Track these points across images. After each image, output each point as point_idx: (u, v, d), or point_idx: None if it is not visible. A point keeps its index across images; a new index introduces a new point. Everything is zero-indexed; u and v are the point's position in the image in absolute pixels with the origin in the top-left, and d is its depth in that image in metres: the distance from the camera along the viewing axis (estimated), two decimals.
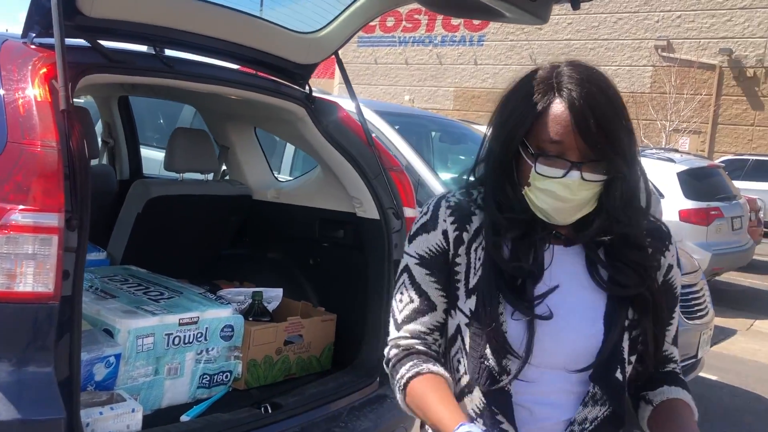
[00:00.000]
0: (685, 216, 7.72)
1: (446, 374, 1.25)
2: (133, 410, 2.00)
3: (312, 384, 2.51)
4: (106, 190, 3.45)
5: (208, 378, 2.37)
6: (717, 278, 8.53)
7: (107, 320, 2.18)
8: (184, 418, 2.20)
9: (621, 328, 1.23)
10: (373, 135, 2.79)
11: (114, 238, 2.97)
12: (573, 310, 1.22)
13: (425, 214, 1.30)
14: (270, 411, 2.24)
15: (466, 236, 1.26)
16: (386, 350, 1.31)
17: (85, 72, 1.98)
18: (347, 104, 2.90)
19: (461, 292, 1.26)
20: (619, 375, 1.23)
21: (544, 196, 1.19)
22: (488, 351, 1.21)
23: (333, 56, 2.79)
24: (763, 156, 16.22)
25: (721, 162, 13.06)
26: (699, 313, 4.29)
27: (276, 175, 3.61)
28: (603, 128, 1.14)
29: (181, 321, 2.26)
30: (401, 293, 1.30)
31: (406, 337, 1.29)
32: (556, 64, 1.21)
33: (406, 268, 1.30)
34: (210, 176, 3.28)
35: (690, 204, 7.78)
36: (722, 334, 6.47)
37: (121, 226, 2.94)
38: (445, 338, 1.31)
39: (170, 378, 2.26)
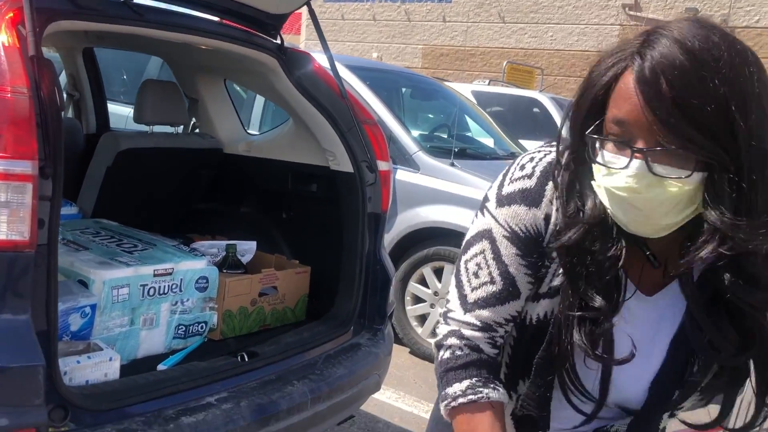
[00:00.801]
0: None
1: (504, 400, 1.07)
2: (110, 359, 2.01)
3: (288, 333, 2.55)
4: (72, 144, 3.39)
5: (184, 328, 2.39)
6: None
7: (81, 271, 2.17)
8: (161, 367, 2.22)
9: (667, 396, 1.06)
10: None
11: (83, 192, 2.94)
12: (637, 351, 1.02)
13: (528, 177, 1.04)
14: (247, 359, 2.27)
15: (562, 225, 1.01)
16: (442, 329, 1.09)
17: (53, 18, 1.94)
18: (318, 58, 2.88)
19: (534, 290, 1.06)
20: (662, 423, 1.11)
21: (609, 196, 0.92)
22: (551, 379, 1.06)
23: (299, 12, 2.75)
24: None
25: None
26: None
27: (246, 129, 3.59)
28: (683, 102, 0.84)
29: (155, 272, 2.26)
30: (479, 267, 1.06)
31: (473, 326, 1.06)
32: (663, 24, 0.92)
33: (490, 236, 1.05)
34: (180, 129, 3.24)
35: None
36: None
37: (90, 179, 2.90)
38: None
39: (146, 329, 2.27)
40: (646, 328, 1.04)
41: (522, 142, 5.97)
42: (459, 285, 1.08)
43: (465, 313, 1.07)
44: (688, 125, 0.84)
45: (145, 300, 2.25)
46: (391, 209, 4.38)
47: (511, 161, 1.11)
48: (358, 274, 2.69)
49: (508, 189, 1.06)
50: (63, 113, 3.69)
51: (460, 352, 1.06)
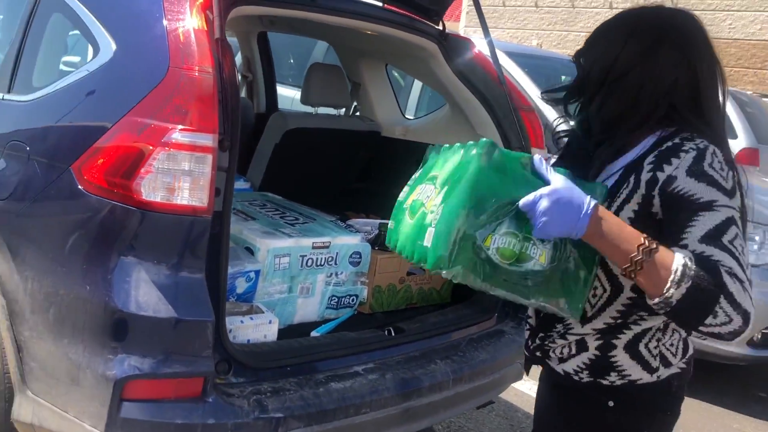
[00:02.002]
0: None
1: None
2: (270, 322, 2.17)
3: (433, 313, 2.60)
4: (244, 122, 3.63)
5: (336, 300, 2.52)
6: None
7: (249, 239, 2.35)
8: (314, 333, 2.35)
9: None
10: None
11: (253, 166, 3.16)
12: None
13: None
14: (393, 334, 2.35)
15: None
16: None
17: (236, 3, 2.10)
18: (478, 44, 2.88)
19: None
20: None
21: None
22: None
23: None
24: None
25: None
26: None
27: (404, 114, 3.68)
28: None
29: (314, 244, 2.40)
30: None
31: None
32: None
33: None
34: (342, 112, 3.38)
35: None
36: None
37: (259, 155, 3.11)
38: None
39: (302, 297, 2.42)
40: None
41: None
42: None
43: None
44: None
45: (303, 270, 2.40)
46: None
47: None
48: None
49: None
50: None
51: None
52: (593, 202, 1.24)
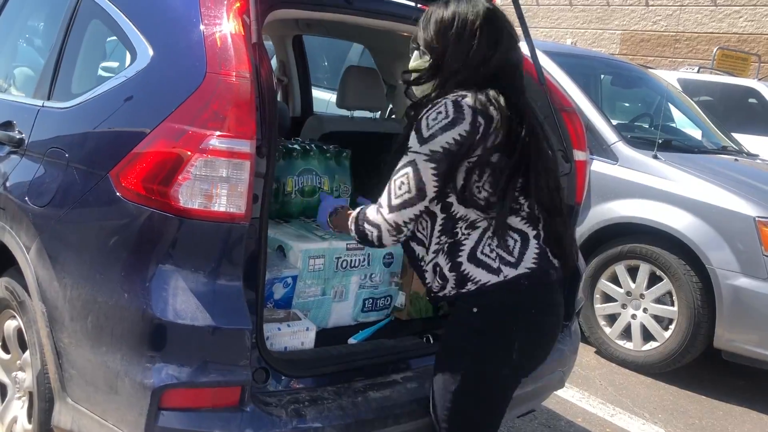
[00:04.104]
0: None
1: None
2: (307, 329, 2.14)
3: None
4: (280, 126, 3.62)
5: (371, 302, 2.49)
6: None
7: (283, 241, 2.33)
8: (351, 340, 2.32)
9: None
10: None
11: None
12: None
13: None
14: (432, 341, 2.31)
15: None
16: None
17: (273, 7, 2.08)
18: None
19: None
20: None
21: None
22: None
23: None
24: None
25: None
26: None
27: None
28: None
29: (348, 246, 2.37)
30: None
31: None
32: None
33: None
34: (378, 115, 3.35)
35: None
36: None
37: None
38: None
39: (336, 300, 2.39)
40: None
41: (735, 135, 5.46)
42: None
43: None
44: None
45: (338, 272, 2.37)
46: (585, 202, 4.22)
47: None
48: None
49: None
50: None
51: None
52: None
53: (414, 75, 1.87)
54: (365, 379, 2.06)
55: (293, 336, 2.11)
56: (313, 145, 2.68)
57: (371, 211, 1.83)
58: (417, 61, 1.87)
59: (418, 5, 2.63)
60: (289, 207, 2.60)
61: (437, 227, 1.78)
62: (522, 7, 2.66)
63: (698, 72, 7.97)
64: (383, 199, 1.79)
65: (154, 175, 1.79)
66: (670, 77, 6.86)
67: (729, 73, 8.40)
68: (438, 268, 1.80)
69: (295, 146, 2.64)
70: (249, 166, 1.76)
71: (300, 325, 2.14)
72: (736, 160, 4.70)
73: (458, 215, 1.75)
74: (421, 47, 1.85)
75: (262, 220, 1.83)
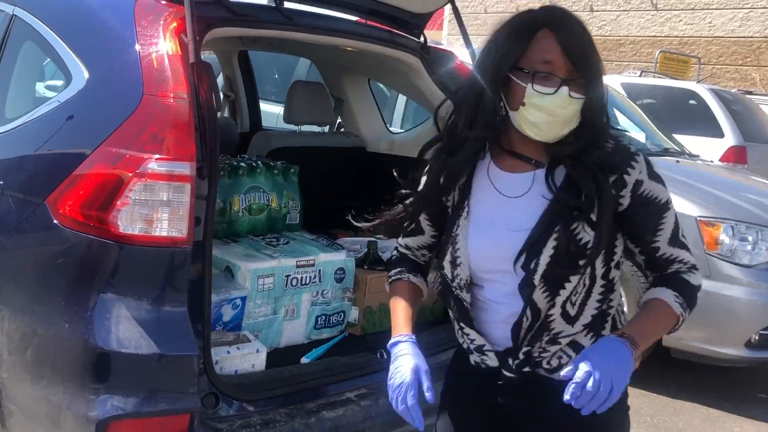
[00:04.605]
0: None
1: (421, 285, 1.60)
2: (257, 351, 2.11)
3: (424, 333, 2.54)
4: (228, 143, 3.59)
5: (324, 319, 2.47)
6: None
7: (230, 262, 2.30)
8: (304, 360, 2.29)
9: (547, 231, 1.35)
10: None
11: None
12: (513, 219, 1.39)
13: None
14: (386, 356, 2.29)
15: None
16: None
17: (211, 26, 2.05)
18: (461, 54, 2.85)
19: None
20: (532, 265, 1.37)
21: (537, 112, 1.34)
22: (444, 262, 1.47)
23: (443, 7, 2.73)
24: None
25: None
26: None
27: (389, 128, 3.64)
28: (583, 50, 1.34)
29: (298, 263, 2.35)
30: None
31: (402, 246, 1.65)
32: (534, 9, 1.40)
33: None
34: (326, 129, 3.33)
35: None
36: None
37: None
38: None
39: (288, 319, 2.36)
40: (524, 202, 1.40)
41: (677, 136, 5.61)
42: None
43: (400, 239, 1.64)
44: (586, 64, 1.33)
45: (288, 290, 2.34)
46: None
47: None
48: None
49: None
50: (219, 113, 3.93)
51: (396, 254, 1.66)
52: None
53: None
54: (318, 399, 2.04)
55: (243, 358, 2.08)
56: (259, 162, 2.66)
57: (695, 276, 1.46)
58: None
59: (359, 20, 2.65)
60: (236, 226, 2.56)
61: (595, 293, 1.43)
62: (471, 14, 2.70)
63: (641, 75, 8.17)
64: (693, 259, 1.48)
65: (92, 200, 1.75)
66: (613, 81, 7.01)
67: (670, 76, 8.63)
68: (577, 345, 1.43)
69: (241, 164, 2.61)
70: (190, 188, 1.73)
71: (250, 347, 2.10)
72: (677, 161, 4.82)
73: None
74: None
75: (206, 242, 1.80)
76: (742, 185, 4.70)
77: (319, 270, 2.45)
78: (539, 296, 1.37)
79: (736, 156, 6.10)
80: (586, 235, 1.35)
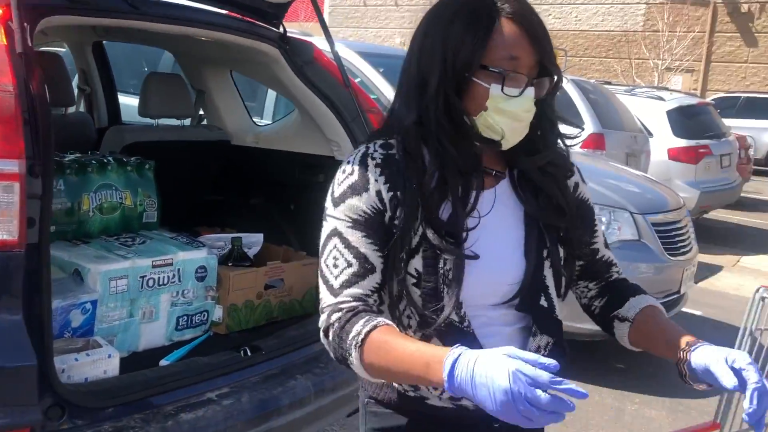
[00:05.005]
0: (675, 154, 7.71)
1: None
2: (109, 356, 2.01)
3: (292, 327, 2.53)
4: (83, 138, 3.39)
5: (186, 319, 2.39)
6: (705, 216, 8.58)
7: (79, 264, 2.17)
8: (163, 362, 2.21)
9: (540, 257, 1.25)
10: (357, 78, 2.75)
11: None
12: (497, 247, 1.22)
13: (350, 174, 1.20)
14: (249, 354, 2.26)
15: (401, 195, 1.19)
16: (324, 317, 1.18)
17: (45, 14, 1.92)
18: (322, 45, 2.84)
19: (404, 253, 1.19)
20: (544, 302, 1.26)
21: (502, 118, 1.17)
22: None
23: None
24: (754, 93, 16.13)
25: (712, 100, 12.98)
26: (682, 250, 4.32)
27: (256, 120, 3.57)
28: (548, 43, 1.18)
29: (154, 263, 2.26)
30: (336, 258, 1.19)
31: (347, 301, 1.17)
32: None
33: (336, 233, 1.19)
34: (187, 122, 3.23)
35: (679, 142, 7.76)
36: (708, 271, 6.55)
37: None
38: (390, 297, 1.22)
39: (146, 321, 2.27)
40: (497, 223, 1.24)
41: None
42: (325, 280, 1.21)
43: (336, 297, 1.18)
44: (550, 59, 1.18)
45: (145, 292, 2.25)
46: None
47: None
48: None
49: (337, 191, 1.22)
50: (74, 108, 3.71)
51: (344, 317, 1.15)
52: None
53: None
54: (177, 402, 1.97)
55: (94, 365, 1.97)
56: (111, 158, 2.53)
57: None
58: None
59: (215, 9, 2.57)
60: (87, 226, 2.43)
61: None
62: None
63: None
64: None
65: None
66: None
67: None
68: None
69: (91, 161, 2.47)
70: (19, 188, 1.61)
71: (101, 352, 2.00)
72: None
73: None
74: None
75: (42, 245, 1.68)
76: (601, 170, 4.98)
77: (179, 269, 2.36)
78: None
79: (595, 143, 6.46)
80: (560, 250, 1.27)
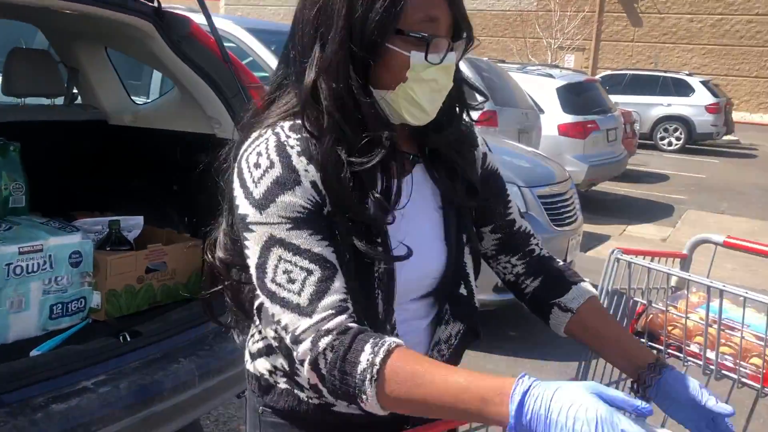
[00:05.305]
0: (564, 130, 8.01)
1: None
2: None
3: (175, 310, 2.46)
4: None
5: (61, 307, 2.29)
6: (593, 188, 8.99)
7: None
8: (34, 352, 2.11)
9: (460, 243, 1.17)
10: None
11: None
12: (419, 238, 1.11)
13: (269, 167, 1.00)
14: (129, 339, 2.18)
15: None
16: (306, 346, 0.96)
17: None
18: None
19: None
20: (463, 290, 1.19)
21: (423, 88, 1.03)
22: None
23: None
24: (639, 71, 16.98)
25: (600, 77, 13.58)
26: (568, 220, 4.51)
27: (142, 100, 3.43)
28: (461, 0, 1.04)
29: (21, 250, 2.14)
30: (286, 272, 0.98)
31: (329, 317, 0.96)
32: None
33: (275, 241, 0.99)
34: (60, 101, 3.06)
35: (568, 118, 8.08)
36: (597, 240, 6.87)
37: None
38: None
39: (14, 312, 2.15)
40: (416, 212, 1.13)
41: None
42: (284, 302, 0.99)
43: (311, 317, 0.97)
44: (467, 20, 1.05)
45: (12, 280, 2.13)
46: None
47: (237, 170, 1.05)
48: None
49: (259, 190, 1.00)
50: None
51: (338, 341, 0.95)
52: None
53: None
54: (48, 392, 1.88)
55: None
56: None
57: None
58: None
59: None
60: None
61: None
62: None
63: None
64: None
65: None
66: None
67: None
68: None
69: None
70: None
71: None
72: None
73: None
74: None
75: None
76: (494, 147, 5.11)
77: (50, 255, 2.25)
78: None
79: (488, 119, 6.62)
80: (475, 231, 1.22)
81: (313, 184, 1.01)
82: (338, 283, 0.99)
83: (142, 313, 2.52)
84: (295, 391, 1.15)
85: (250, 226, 1.01)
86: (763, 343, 1.35)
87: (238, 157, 1.05)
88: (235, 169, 1.05)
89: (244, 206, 1.02)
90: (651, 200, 9.61)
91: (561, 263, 1.31)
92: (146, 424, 2.03)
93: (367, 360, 0.92)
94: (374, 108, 1.04)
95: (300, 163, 1.01)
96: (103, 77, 3.15)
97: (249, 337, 1.27)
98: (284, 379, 1.16)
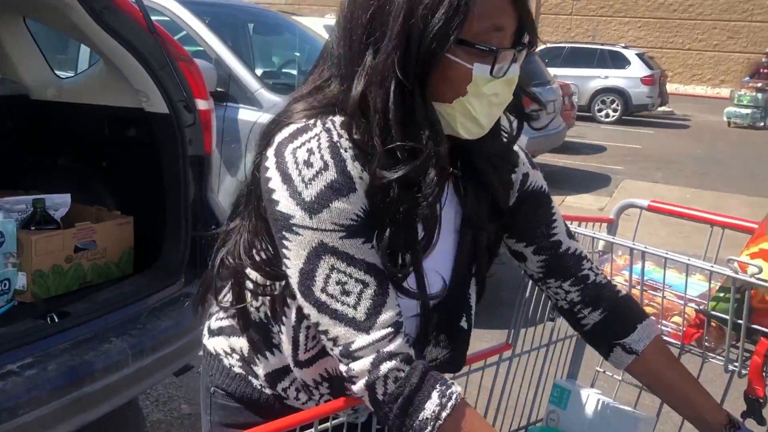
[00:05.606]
0: None
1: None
2: None
3: (106, 290, 2.40)
4: None
5: None
6: (533, 160, 9.11)
7: None
8: None
9: (468, 272, 1.13)
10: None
11: None
12: (429, 261, 1.03)
13: (323, 169, 0.92)
14: (56, 320, 2.12)
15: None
16: (364, 365, 0.92)
17: None
18: None
19: None
20: (464, 323, 1.15)
21: (483, 103, 0.96)
22: None
23: None
24: (577, 44, 17.25)
25: (538, 50, 13.71)
26: None
27: (61, 73, 3.29)
28: (527, 4, 0.96)
29: None
30: (341, 283, 0.93)
31: (388, 336, 0.92)
32: None
33: (327, 249, 0.92)
34: None
35: None
36: None
37: None
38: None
39: None
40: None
41: None
42: (338, 315, 0.93)
43: (369, 333, 0.92)
44: (534, 27, 0.97)
45: None
46: (237, 152, 4.22)
47: (277, 160, 0.96)
48: (184, 222, 2.56)
49: (310, 192, 0.92)
50: None
51: (402, 373, 0.92)
52: None
53: None
54: None
55: None
56: None
57: None
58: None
59: None
60: None
61: None
62: None
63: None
64: None
65: None
66: (317, 24, 7.15)
67: None
68: None
69: None
70: None
71: None
72: None
73: None
74: None
75: None
76: None
77: None
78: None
79: None
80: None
81: (366, 192, 0.95)
82: (392, 295, 0.95)
83: (72, 294, 2.45)
84: (249, 377, 1.15)
85: (294, 228, 0.93)
86: (683, 302, 1.39)
87: (278, 145, 0.96)
88: (272, 158, 0.95)
89: (287, 205, 0.93)
90: (589, 171, 9.83)
91: (622, 293, 1.25)
92: (77, 406, 1.98)
93: (433, 412, 0.91)
94: (438, 124, 0.96)
95: (354, 169, 0.94)
96: (23, 50, 3.01)
97: (212, 314, 1.24)
98: (240, 364, 1.16)
